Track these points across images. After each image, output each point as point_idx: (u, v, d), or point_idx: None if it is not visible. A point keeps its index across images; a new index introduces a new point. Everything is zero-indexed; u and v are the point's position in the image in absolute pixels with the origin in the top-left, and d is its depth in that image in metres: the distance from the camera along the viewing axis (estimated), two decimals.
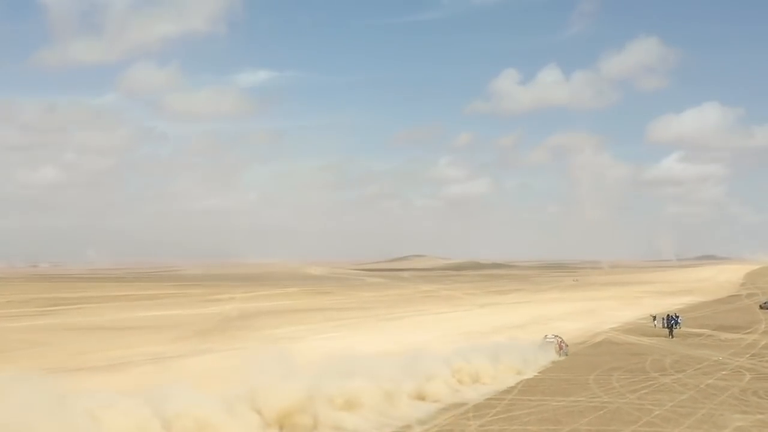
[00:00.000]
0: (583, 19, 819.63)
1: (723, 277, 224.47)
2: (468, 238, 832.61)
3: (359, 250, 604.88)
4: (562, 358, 51.69)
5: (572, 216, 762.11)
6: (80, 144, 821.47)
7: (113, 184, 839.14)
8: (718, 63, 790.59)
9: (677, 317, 72.96)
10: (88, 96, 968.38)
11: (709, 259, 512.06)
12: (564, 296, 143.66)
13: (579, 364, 48.79)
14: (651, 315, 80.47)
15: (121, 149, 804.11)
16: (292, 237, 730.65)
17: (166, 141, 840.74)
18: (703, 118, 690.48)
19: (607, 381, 41.08)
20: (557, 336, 55.06)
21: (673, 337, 65.32)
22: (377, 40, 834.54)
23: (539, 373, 45.00)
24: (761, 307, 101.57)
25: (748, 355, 51.75)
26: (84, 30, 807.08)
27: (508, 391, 38.89)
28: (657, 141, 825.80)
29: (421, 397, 36.32)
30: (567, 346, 54.29)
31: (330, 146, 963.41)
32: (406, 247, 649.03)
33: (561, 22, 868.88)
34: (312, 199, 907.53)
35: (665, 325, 72.95)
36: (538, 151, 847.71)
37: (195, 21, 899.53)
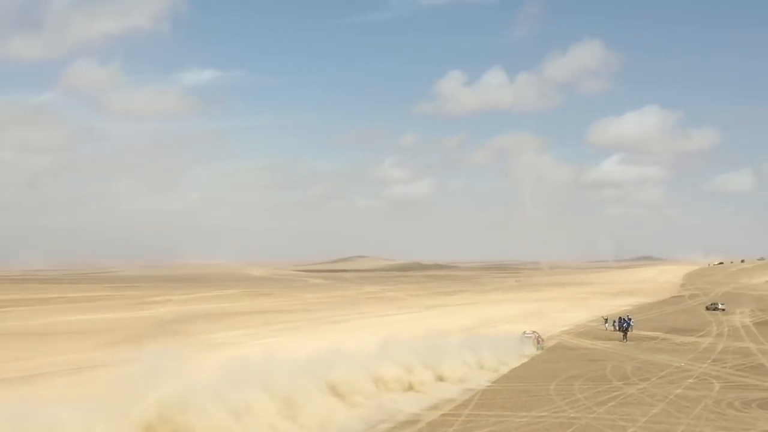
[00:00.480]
0: (527, 21, 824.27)
1: (663, 278, 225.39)
2: (411, 239, 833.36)
3: (302, 251, 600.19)
4: (539, 351, 54.83)
5: (514, 217, 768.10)
6: (18, 143, 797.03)
7: (52, 183, 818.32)
8: (658, 66, 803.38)
9: (629, 320, 70.36)
10: (27, 94, 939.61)
11: (646, 260, 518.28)
12: (509, 297, 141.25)
13: (536, 371, 45.35)
14: (602, 317, 77.90)
15: (60, 148, 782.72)
16: (234, 237, 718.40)
17: (107, 140, 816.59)
18: (643, 121, 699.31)
19: (569, 391, 37.56)
20: (534, 332, 59.01)
21: (627, 340, 62.53)
22: (323, 41, 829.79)
23: (495, 383, 41.39)
24: (707, 309, 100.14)
25: (709, 361, 48.90)
26: (23, 26, 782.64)
27: (465, 404, 35.11)
28: (598, 143, 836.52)
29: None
30: (543, 340, 58.19)
31: (274, 146, 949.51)
32: (349, 248, 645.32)
33: (506, 25, 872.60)
34: (255, 200, 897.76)
35: (617, 327, 70.43)
36: (482, 152, 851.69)
37: (138, 18, 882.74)
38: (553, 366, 47.45)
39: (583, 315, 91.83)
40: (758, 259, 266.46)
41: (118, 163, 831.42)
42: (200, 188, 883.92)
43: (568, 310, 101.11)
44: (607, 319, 74.96)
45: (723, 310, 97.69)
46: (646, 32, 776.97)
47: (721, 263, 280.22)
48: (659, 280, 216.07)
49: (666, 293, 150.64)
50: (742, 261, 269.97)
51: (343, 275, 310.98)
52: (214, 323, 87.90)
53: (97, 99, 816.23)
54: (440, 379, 41.07)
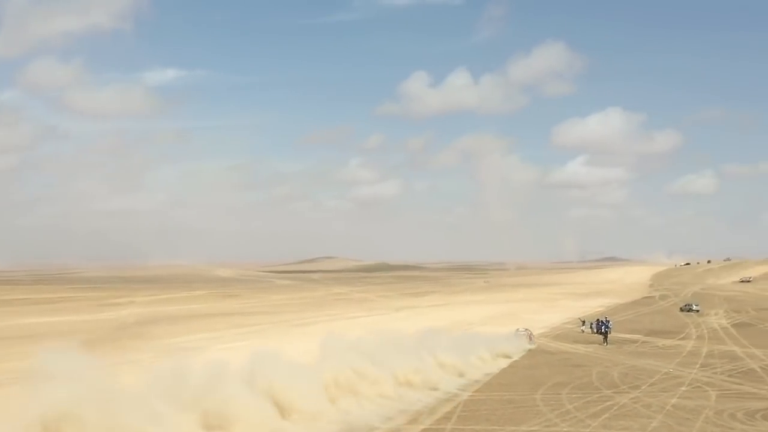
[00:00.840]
0: (492, 23, 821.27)
1: (630, 279, 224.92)
2: (378, 240, 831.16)
3: (268, 252, 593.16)
4: (533, 346, 57.86)
5: (480, 218, 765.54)
6: None
7: (13, 183, 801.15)
8: (621, 69, 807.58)
9: (608, 322, 67.87)
10: None
11: (611, 260, 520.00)
12: (479, 298, 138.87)
13: (518, 378, 42.49)
14: (580, 319, 75.42)
15: (21, 147, 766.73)
16: (200, 238, 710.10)
17: (69, 139, 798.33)
18: (607, 123, 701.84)
19: (557, 401, 34.74)
20: (527, 329, 62.92)
21: (607, 344, 59.98)
22: (288, 41, 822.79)
23: (477, 392, 38.42)
24: (681, 310, 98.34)
25: (697, 366, 46.41)
26: None
27: (446, 417, 32.11)
28: (563, 144, 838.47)
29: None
30: (534, 336, 61.20)
31: (239, 147, 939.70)
32: (315, 249, 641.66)
33: (470, 26, 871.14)
34: (220, 200, 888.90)
35: (595, 330, 68.05)
36: (447, 153, 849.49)
37: (100, 17, 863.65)
38: (535, 372, 44.64)
39: (556, 316, 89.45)
40: (724, 260, 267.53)
41: (81, 163, 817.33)
42: (165, 188, 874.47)
43: (540, 312, 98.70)
44: (584, 321, 72.53)
45: (697, 311, 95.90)
46: (609, 34, 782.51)
47: (688, 264, 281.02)
48: (627, 281, 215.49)
49: (636, 294, 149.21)
50: (709, 262, 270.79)
51: (310, 276, 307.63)
52: (179, 326, 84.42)
53: (59, 98, 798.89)
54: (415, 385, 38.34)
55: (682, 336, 66.41)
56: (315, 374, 33.65)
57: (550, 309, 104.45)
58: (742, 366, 46.44)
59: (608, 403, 34.09)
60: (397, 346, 41.39)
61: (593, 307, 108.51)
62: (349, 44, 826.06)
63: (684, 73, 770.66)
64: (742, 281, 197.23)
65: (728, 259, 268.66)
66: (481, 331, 64.52)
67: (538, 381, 40.84)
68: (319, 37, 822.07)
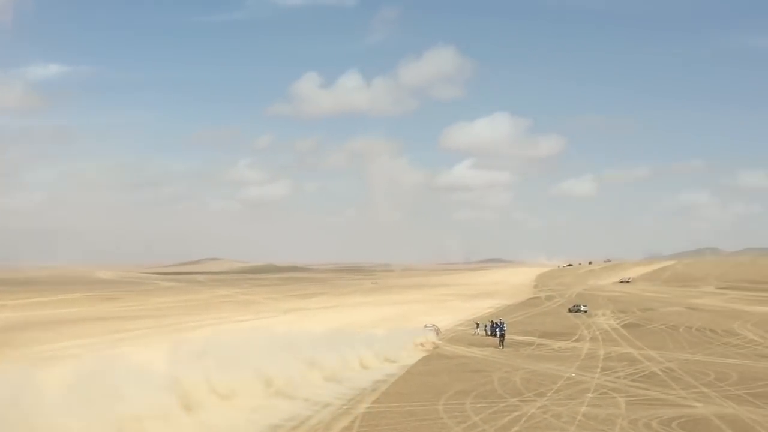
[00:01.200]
0: (384, 26, 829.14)
1: (515, 280, 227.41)
2: (266, 241, 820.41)
3: (153, 253, 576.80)
4: (440, 340, 60.15)
5: (368, 219, 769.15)
6: None
7: None
8: (509, 75, 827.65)
9: (503, 324, 66.23)
10: None
11: (496, 262, 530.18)
12: (368, 300, 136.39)
13: (417, 385, 39.65)
14: (474, 322, 73.59)
15: None
16: (81, 239, 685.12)
17: None
18: (494, 127, 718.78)
19: (462, 412, 32.01)
20: (434, 324, 65.74)
21: (504, 347, 58.04)
22: (178, 38, 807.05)
23: (375, 402, 35.27)
24: (570, 311, 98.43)
25: (598, 370, 44.81)
26: None
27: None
28: (451, 148, 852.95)
29: None
30: (440, 331, 65.26)
31: (125, 145, 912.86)
32: (202, 250, 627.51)
33: (363, 29, 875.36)
34: (103, 200, 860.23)
35: (489, 332, 66.36)
36: (337, 154, 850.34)
37: None
38: (434, 379, 41.90)
39: (448, 318, 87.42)
40: (604, 261, 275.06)
41: None
42: (44, 188, 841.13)
43: (432, 313, 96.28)
44: (478, 324, 70.72)
45: (585, 311, 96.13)
46: (498, 41, 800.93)
47: (570, 265, 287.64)
48: (512, 282, 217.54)
49: (523, 295, 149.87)
50: (590, 263, 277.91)
51: (195, 278, 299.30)
52: (50, 332, 78.28)
53: None
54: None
55: (575, 338, 65.37)
56: (172, 383, 29.56)
57: (441, 310, 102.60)
58: (642, 369, 45.11)
59: (516, 414, 31.60)
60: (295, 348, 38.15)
61: (483, 308, 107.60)
62: (240, 43, 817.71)
63: (567, 80, 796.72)
64: (622, 282, 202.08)
65: (608, 261, 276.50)
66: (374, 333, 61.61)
67: (439, 389, 38.11)
68: (209, 35, 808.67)
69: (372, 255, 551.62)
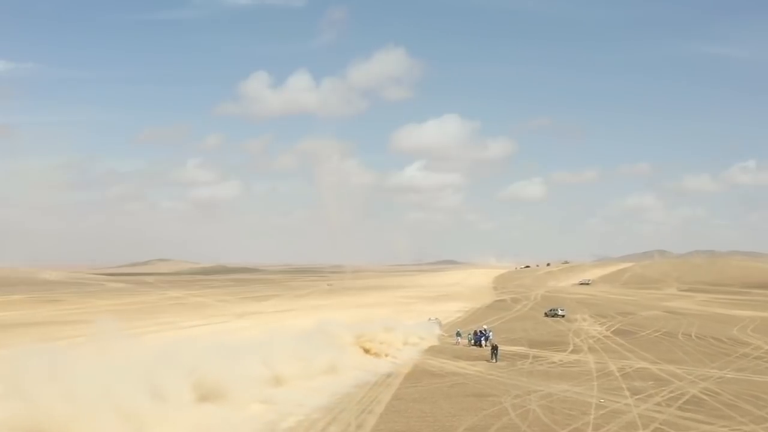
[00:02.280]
0: (333, 26, 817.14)
1: (473, 282, 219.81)
2: (216, 242, 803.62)
3: (100, 254, 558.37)
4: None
5: (318, 221, 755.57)
6: None
7: None
8: (459, 77, 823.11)
9: (488, 332, 57.75)
10: None
11: (446, 263, 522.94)
12: (327, 303, 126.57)
13: (415, 420, 30.50)
14: (456, 330, 64.43)
15: None
16: (25, 239, 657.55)
17: None
18: (443, 129, 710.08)
19: None
20: (437, 318, 72.49)
21: (497, 360, 49.09)
22: (124, 35, 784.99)
23: None
24: (546, 315, 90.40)
25: (626, 393, 36.17)
26: None
27: None
28: (401, 149, 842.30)
29: None
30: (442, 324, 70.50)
31: (70, 144, 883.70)
32: (150, 251, 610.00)
33: (313, 29, 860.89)
34: (48, 200, 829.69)
35: (473, 342, 57.57)
36: (287, 155, 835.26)
37: None
38: (432, 408, 32.77)
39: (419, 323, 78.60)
40: (563, 263, 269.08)
41: None
42: None
43: (400, 318, 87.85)
44: (459, 332, 61.72)
45: (563, 316, 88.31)
46: (447, 43, 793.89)
47: (528, 266, 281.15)
48: (470, 284, 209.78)
49: (485, 297, 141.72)
50: (548, 264, 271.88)
51: (144, 279, 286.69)
52: None
53: None
54: None
55: (571, 348, 56.87)
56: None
57: (406, 314, 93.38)
58: (678, 391, 36.61)
59: None
60: None
61: (451, 311, 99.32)
62: (188, 42, 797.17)
63: (515, 83, 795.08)
64: (582, 284, 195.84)
65: (567, 262, 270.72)
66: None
67: (442, 424, 29.06)
68: (156, 33, 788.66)
69: (323, 256, 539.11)
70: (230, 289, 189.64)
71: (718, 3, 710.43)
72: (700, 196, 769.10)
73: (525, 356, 51.84)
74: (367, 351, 49.82)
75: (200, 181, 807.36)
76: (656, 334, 67.27)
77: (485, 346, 55.08)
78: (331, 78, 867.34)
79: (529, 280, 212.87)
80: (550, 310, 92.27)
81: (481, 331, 57.96)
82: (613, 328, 73.47)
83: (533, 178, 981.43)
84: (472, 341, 57.77)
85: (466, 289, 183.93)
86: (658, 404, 33.23)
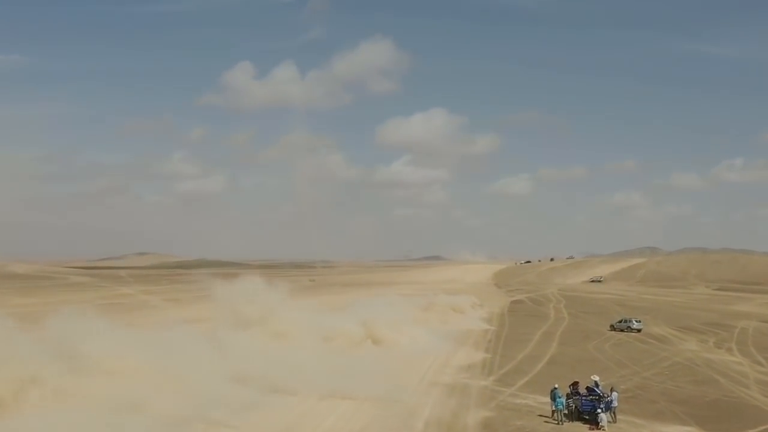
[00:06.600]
0: (318, 17, 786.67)
1: (472, 278, 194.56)
2: (201, 236, 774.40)
3: (82, 247, 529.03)
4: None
5: (305, 215, 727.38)
6: None
7: None
8: (446, 70, 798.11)
9: (612, 396, 30.83)
10: None
11: (435, 259, 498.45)
12: (316, 300, 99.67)
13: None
14: (553, 388, 37.10)
15: None
16: (6, 232, 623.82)
17: None
18: (430, 124, 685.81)
19: None
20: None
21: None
22: (110, 28, 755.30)
23: None
24: (614, 328, 64.28)
25: None
26: None
27: None
28: (388, 143, 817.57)
29: None
30: None
31: (53, 136, 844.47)
32: (133, 245, 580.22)
33: (299, 21, 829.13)
34: (30, 192, 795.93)
35: (580, 408, 30.81)
36: (273, 149, 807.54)
37: None
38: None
39: (450, 345, 52.37)
40: (567, 258, 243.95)
41: None
42: None
43: (418, 320, 61.77)
44: (557, 394, 34.90)
45: (639, 330, 62.38)
46: (435, 35, 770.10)
47: (529, 262, 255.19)
48: (469, 280, 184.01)
49: (494, 297, 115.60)
50: (552, 260, 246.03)
51: (117, 273, 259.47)
52: None
53: None
54: None
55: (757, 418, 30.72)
56: None
57: (424, 321, 66.35)
58: None
59: None
60: None
61: (475, 318, 73.41)
62: (171, 34, 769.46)
63: (503, 78, 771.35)
64: (593, 281, 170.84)
65: (571, 257, 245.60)
66: None
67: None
68: (141, 25, 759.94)
69: (309, 251, 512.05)
70: (199, 284, 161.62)
71: (707, 2, 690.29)
72: (688, 193, 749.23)
73: None
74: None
75: (185, 174, 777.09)
76: None
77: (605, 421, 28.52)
78: (316, 70, 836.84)
79: (533, 277, 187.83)
80: (621, 321, 65.57)
81: (600, 393, 30.58)
82: (736, 350, 47.49)
83: (520, 174, 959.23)
84: (573, 407, 30.56)
85: (467, 286, 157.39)
86: None
